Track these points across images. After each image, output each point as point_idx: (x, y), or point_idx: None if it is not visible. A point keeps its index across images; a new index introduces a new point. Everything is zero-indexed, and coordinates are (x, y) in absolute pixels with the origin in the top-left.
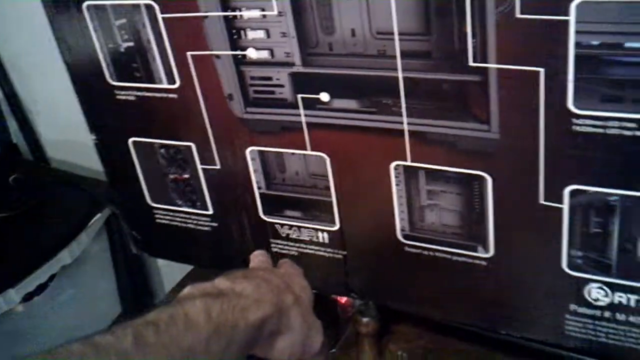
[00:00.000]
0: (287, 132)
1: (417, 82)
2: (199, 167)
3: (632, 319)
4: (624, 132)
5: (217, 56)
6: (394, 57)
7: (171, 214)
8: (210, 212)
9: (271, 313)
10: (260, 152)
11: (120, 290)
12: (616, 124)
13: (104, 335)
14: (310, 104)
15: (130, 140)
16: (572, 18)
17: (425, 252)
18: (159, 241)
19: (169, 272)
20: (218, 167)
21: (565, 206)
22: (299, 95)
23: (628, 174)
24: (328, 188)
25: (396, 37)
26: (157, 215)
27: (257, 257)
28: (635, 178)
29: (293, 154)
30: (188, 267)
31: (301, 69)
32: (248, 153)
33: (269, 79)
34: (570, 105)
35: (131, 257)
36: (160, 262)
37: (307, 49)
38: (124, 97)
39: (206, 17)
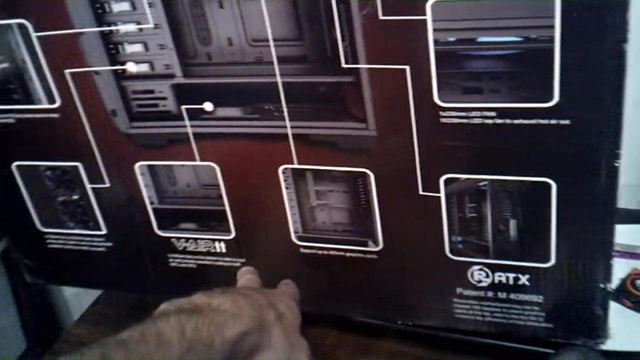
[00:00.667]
0: (174, 144)
1: (296, 86)
2: (88, 186)
3: (512, 296)
4: (485, 121)
5: (97, 72)
6: (272, 63)
7: (63, 237)
8: (104, 231)
9: (250, 328)
10: (150, 166)
11: (24, 325)
12: (478, 113)
13: (72, 357)
14: (194, 115)
15: (14, 164)
16: (429, 17)
17: (320, 252)
18: (53, 267)
19: (75, 301)
20: (108, 185)
21: (442, 195)
22: (183, 107)
23: (493, 160)
24: (221, 197)
25: (271, 43)
26: (48, 240)
27: (245, 275)
28: (500, 163)
29: (183, 165)
30: (95, 294)
31: (182, 80)
32: (137, 168)
33: (152, 92)
34: (436, 99)
35: (34, 289)
36: (67, 292)
37: (186, 60)
38: (3, 121)
39: (82, 33)
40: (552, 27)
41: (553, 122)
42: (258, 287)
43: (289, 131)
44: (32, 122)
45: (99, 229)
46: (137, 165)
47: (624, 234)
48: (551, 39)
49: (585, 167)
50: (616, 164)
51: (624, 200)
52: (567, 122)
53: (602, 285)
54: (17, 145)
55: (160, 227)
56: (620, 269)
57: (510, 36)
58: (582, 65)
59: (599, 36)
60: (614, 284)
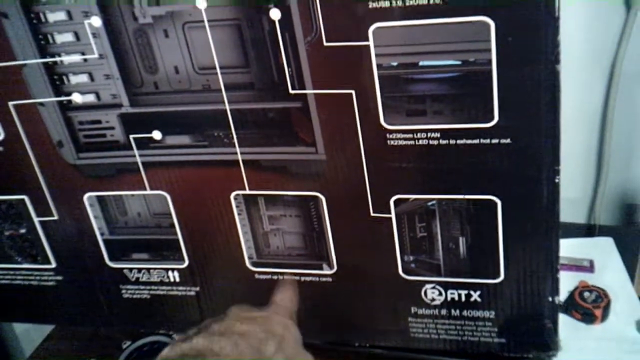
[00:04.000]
0: (123, 174)
1: (244, 112)
2: (36, 220)
3: (465, 313)
4: (431, 142)
5: (41, 104)
6: (219, 90)
7: (11, 272)
8: (54, 265)
9: None
10: (99, 197)
11: None
12: (423, 135)
13: None
14: (143, 144)
15: None
16: (371, 43)
17: (275, 277)
18: (1, 303)
19: (26, 336)
20: (56, 217)
21: (393, 215)
22: (131, 136)
23: (440, 180)
24: (173, 226)
25: (218, 71)
26: None
27: (282, 291)
28: (446, 182)
29: (133, 195)
30: (47, 329)
31: (130, 110)
32: (86, 199)
33: (99, 122)
34: (382, 122)
35: None
36: (17, 327)
37: (133, 89)
38: None
39: (25, 65)
40: (488, 50)
41: (494, 141)
42: (249, 314)
43: (239, 157)
44: None
45: (48, 262)
46: (86, 196)
47: (571, 248)
48: (488, 62)
49: (527, 184)
50: (556, 180)
51: (570, 214)
52: (507, 141)
53: (550, 299)
54: None
55: (111, 259)
56: (568, 281)
57: (449, 60)
58: (519, 86)
59: (533, 58)
60: (563, 296)
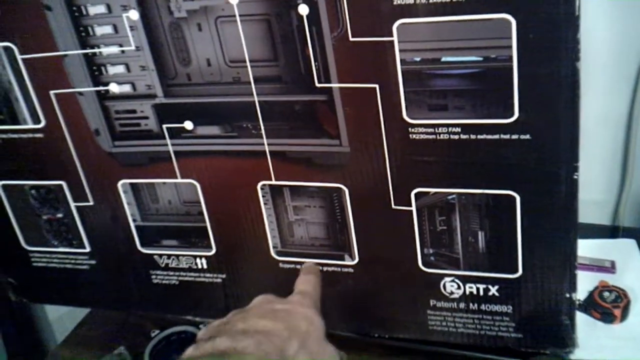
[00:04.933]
0: (156, 163)
1: (272, 104)
2: (72, 205)
3: (483, 307)
4: (452, 137)
5: (80, 93)
6: (249, 82)
7: (48, 255)
8: (88, 249)
9: None
10: (132, 184)
11: (7, 344)
12: (445, 129)
13: None
14: (175, 133)
15: None
16: (395, 38)
17: (299, 267)
18: (37, 285)
19: (59, 323)
20: (91, 203)
21: (414, 209)
22: (164, 126)
23: (460, 174)
24: (201, 214)
25: (248, 64)
26: (33, 259)
27: (306, 275)
28: (466, 177)
29: (164, 183)
30: (79, 316)
31: (163, 100)
32: (120, 186)
33: (134, 112)
34: (405, 116)
35: (17, 308)
36: (50, 314)
37: (167, 81)
38: None
39: (66, 55)
40: (509, 47)
41: (514, 137)
42: (273, 307)
43: (267, 148)
44: (17, 142)
45: (83, 246)
46: (120, 183)
47: (593, 248)
48: (509, 59)
49: (546, 180)
50: (575, 177)
51: (595, 215)
52: (527, 136)
53: (567, 295)
54: (2, 165)
55: (142, 244)
56: (589, 281)
57: (471, 56)
58: (539, 83)
59: (553, 56)
60: (583, 296)
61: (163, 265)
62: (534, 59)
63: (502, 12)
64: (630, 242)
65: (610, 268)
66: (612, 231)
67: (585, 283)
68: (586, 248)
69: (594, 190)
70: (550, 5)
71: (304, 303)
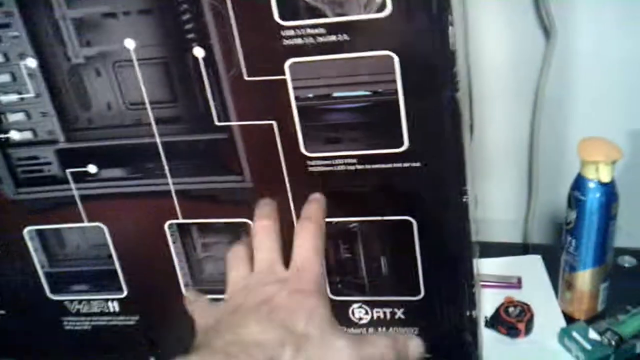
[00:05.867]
0: (61, 208)
1: (175, 145)
2: None
3: (391, 330)
4: (348, 168)
5: None
6: (150, 124)
7: None
8: None
9: None
10: (39, 230)
11: None
12: (341, 161)
13: None
14: (80, 177)
15: None
16: (288, 76)
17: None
18: None
19: None
20: None
21: None
22: (68, 170)
23: (359, 203)
24: (111, 256)
25: (148, 106)
26: None
27: (260, 218)
28: (365, 205)
29: (71, 228)
30: None
31: (66, 145)
32: (26, 233)
33: (36, 157)
34: (302, 149)
35: None
36: None
37: (68, 126)
38: None
39: None
40: (394, 81)
41: (406, 165)
42: (275, 302)
43: (172, 187)
44: None
45: None
46: (26, 230)
47: (503, 266)
48: (395, 92)
49: (438, 205)
50: (464, 200)
51: (507, 234)
52: (417, 164)
53: (468, 313)
54: None
55: (52, 291)
56: (497, 298)
57: (360, 91)
58: (424, 114)
59: (434, 88)
60: (490, 313)
61: (74, 311)
62: (417, 92)
63: (385, 49)
64: (537, 258)
65: (517, 284)
66: (523, 249)
67: (494, 300)
68: (496, 266)
69: (504, 211)
70: (428, 42)
71: (302, 285)
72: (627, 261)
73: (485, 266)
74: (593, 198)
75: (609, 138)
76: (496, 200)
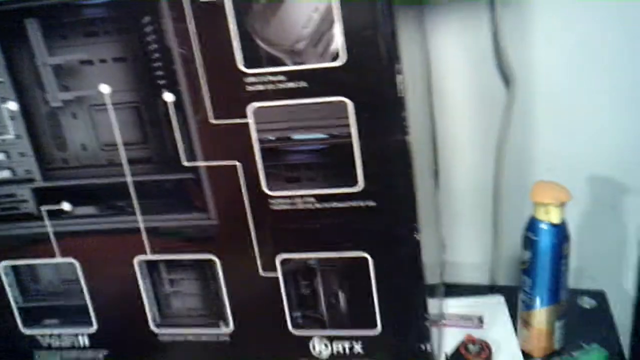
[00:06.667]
0: (36, 244)
1: (144, 184)
2: None
3: None
4: (307, 206)
5: None
6: (121, 164)
7: None
8: None
9: None
10: (13, 266)
11: None
12: (300, 200)
13: None
14: (54, 215)
15: None
16: (251, 120)
17: (177, 338)
18: None
19: None
20: None
21: (280, 274)
22: (43, 208)
23: (317, 239)
24: (82, 291)
25: (121, 147)
26: None
27: None
28: (323, 242)
29: (44, 264)
30: None
31: (42, 184)
32: (1, 268)
33: (13, 195)
34: (265, 188)
35: None
36: None
37: (45, 165)
38: None
39: None
40: (348, 125)
41: (361, 203)
42: None
43: (141, 225)
44: None
45: None
46: (1, 265)
47: (466, 305)
48: (349, 135)
49: (392, 241)
50: (416, 237)
51: (473, 276)
52: (372, 203)
53: (422, 347)
54: None
55: (25, 326)
56: (458, 336)
57: (317, 134)
58: (377, 155)
59: (386, 132)
60: (450, 350)
61: (46, 345)
62: (369, 135)
63: (340, 95)
64: (499, 298)
65: (478, 323)
66: (490, 290)
67: (455, 338)
68: (460, 305)
69: (471, 254)
70: (379, 89)
71: None
72: (587, 302)
73: (450, 305)
74: (545, 239)
75: (572, 183)
76: (463, 243)
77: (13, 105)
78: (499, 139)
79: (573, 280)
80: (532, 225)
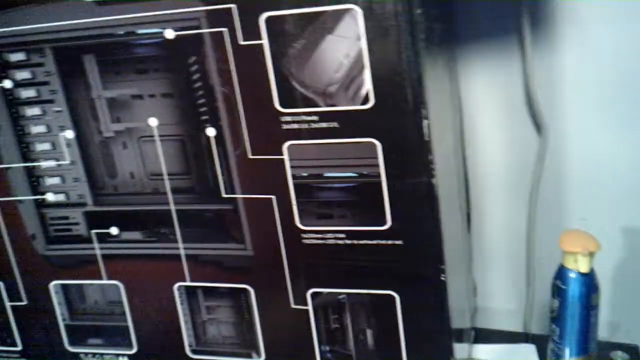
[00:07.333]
0: (85, 265)
1: (186, 213)
2: (7, 304)
3: None
4: (337, 242)
5: (20, 201)
6: (166, 193)
7: None
8: (20, 347)
9: None
10: (63, 285)
11: None
12: (331, 235)
13: None
14: (102, 238)
15: None
16: (286, 157)
17: None
18: None
19: None
20: (25, 302)
21: (310, 308)
22: (93, 231)
23: (347, 275)
24: (124, 313)
25: (165, 177)
26: None
27: None
28: (353, 278)
29: (91, 284)
30: None
31: (93, 208)
32: (52, 287)
33: (67, 218)
34: (297, 223)
35: None
36: None
37: (96, 191)
38: None
39: (9, 168)
40: (377, 165)
41: (389, 242)
42: None
43: (182, 252)
44: None
45: (15, 344)
46: (52, 284)
47: (497, 353)
48: (378, 175)
49: (419, 282)
50: (442, 278)
51: (507, 323)
52: (399, 242)
53: None
54: None
55: (70, 343)
56: None
57: (348, 172)
58: (404, 196)
59: (413, 173)
60: None
61: None
62: (397, 175)
63: (369, 137)
64: (531, 347)
65: None
66: (522, 338)
67: None
68: (490, 352)
69: (504, 300)
70: (405, 132)
71: None
72: (620, 356)
73: (480, 351)
74: (573, 287)
75: (605, 232)
76: (497, 288)
77: (70, 134)
78: (532, 184)
79: (608, 334)
80: (561, 273)
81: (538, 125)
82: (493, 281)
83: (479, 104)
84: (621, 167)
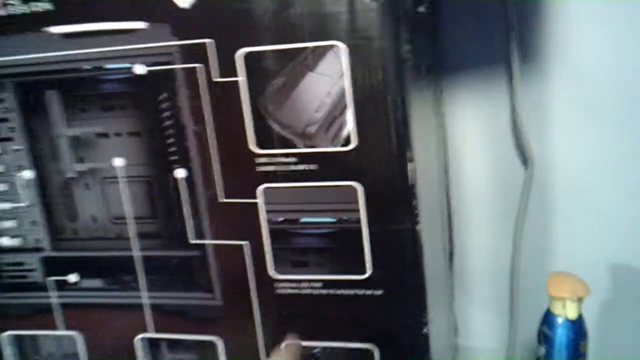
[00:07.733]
0: (39, 314)
1: (151, 259)
2: None
3: None
4: (313, 292)
5: None
6: (129, 238)
7: None
8: None
9: None
10: (16, 336)
11: None
12: (307, 284)
13: None
14: (60, 286)
15: None
16: (260, 200)
17: None
18: None
19: None
20: None
21: None
22: (49, 278)
23: (322, 327)
24: None
25: (130, 221)
26: None
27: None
28: (328, 330)
29: (47, 335)
30: None
31: (51, 254)
32: (4, 338)
33: (22, 264)
34: (271, 271)
35: None
36: None
37: (55, 235)
38: None
39: None
40: (358, 210)
41: (368, 292)
42: None
43: (146, 301)
44: None
45: None
46: (5, 335)
47: None
48: (358, 221)
49: (399, 334)
50: (424, 331)
51: None
52: (380, 292)
53: None
54: None
55: None
56: None
57: (326, 217)
58: (386, 243)
59: (396, 219)
60: None
61: None
62: (378, 222)
63: (350, 180)
64: None
65: None
66: None
67: None
68: None
69: (486, 339)
70: (389, 176)
71: None
72: None
73: None
74: (561, 334)
75: (592, 271)
76: (479, 327)
77: (28, 174)
78: (516, 221)
79: None
80: (548, 319)
81: (524, 158)
82: (475, 320)
83: (465, 136)
84: (608, 203)
